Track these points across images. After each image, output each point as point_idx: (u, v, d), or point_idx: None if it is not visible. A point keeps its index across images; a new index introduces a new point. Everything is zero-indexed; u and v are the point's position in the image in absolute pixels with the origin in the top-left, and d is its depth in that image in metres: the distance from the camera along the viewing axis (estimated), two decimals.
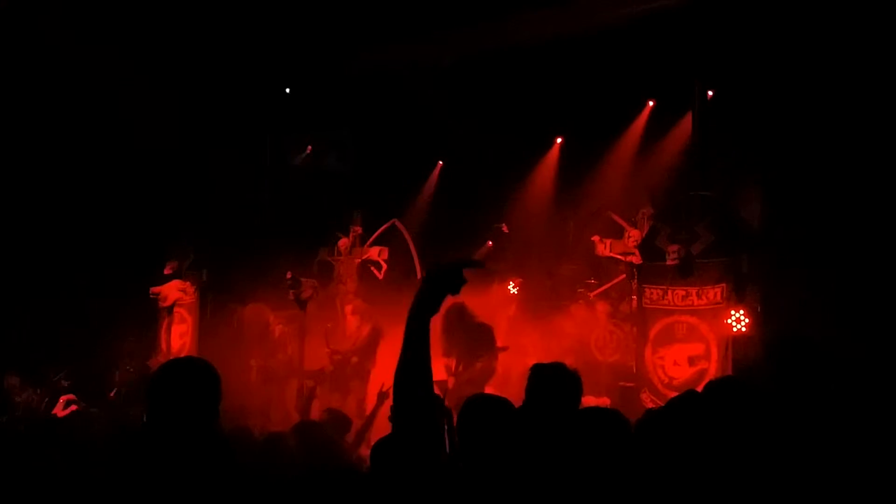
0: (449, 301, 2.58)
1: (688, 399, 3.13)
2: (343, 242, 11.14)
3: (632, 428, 3.31)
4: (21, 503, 3.45)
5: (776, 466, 2.79)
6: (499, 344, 8.75)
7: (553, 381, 3.71)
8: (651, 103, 9.87)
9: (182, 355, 9.16)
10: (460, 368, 8.30)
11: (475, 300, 8.74)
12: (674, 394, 7.89)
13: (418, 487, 2.38)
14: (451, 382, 8.00)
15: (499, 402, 3.21)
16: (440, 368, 7.94)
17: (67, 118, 9.71)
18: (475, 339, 8.48)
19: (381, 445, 3.36)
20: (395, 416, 2.49)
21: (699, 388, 3.24)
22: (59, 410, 6.58)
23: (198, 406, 2.90)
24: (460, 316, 8.44)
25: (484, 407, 3.19)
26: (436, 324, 2.52)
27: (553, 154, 10.84)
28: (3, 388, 6.93)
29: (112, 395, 7.76)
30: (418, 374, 2.46)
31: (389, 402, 6.48)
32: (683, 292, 8.37)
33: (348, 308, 10.52)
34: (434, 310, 2.52)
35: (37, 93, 9.40)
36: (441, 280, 2.55)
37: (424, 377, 2.46)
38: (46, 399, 6.80)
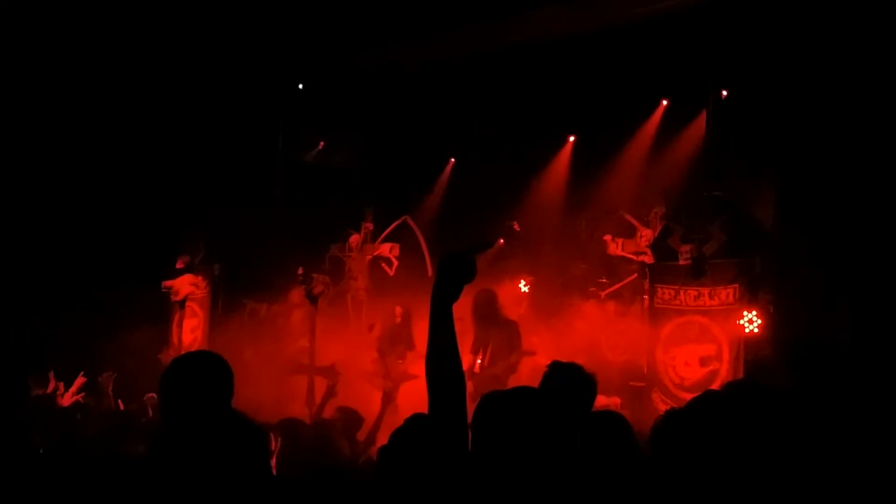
0: (478, 294, 2.60)
1: (708, 401, 3.08)
2: (354, 239, 11.16)
3: (634, 431, 3.29)
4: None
5: (796, 469, 2.76)
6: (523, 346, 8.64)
7: (568, 382, 3.68)
8: (665, 102, 9.83)
9: (193, 349, 9.21)
10: (485, 363, 8.17)
11: None
12: (685, 394, 7.94)
13: (434, 481, 2.39)
14: (470, 386, 7.87)
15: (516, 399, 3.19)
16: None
17: (82, 112, 9.76)
18: (506, 335, 8.37)
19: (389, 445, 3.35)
20: (429, 400, 2.51)
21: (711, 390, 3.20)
22: (68, 398, 6.62)
23: (210, 400, 2.92)
24: (492, 311, 8.31)
25: (502, 403, 3.19)
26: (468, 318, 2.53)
27: (566, 152, 10.82)
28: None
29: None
30: (447, 359, 2.49)
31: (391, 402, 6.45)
32: (695, 292, 8.33)
33: (399, 309, 9.95)
34: (454, 297, 2.55)
35: (50, 86, 9.44)
36: (453, 268, 2.57)
37: (453, 361, 2.50)
38: (60, 393, 6.85)
